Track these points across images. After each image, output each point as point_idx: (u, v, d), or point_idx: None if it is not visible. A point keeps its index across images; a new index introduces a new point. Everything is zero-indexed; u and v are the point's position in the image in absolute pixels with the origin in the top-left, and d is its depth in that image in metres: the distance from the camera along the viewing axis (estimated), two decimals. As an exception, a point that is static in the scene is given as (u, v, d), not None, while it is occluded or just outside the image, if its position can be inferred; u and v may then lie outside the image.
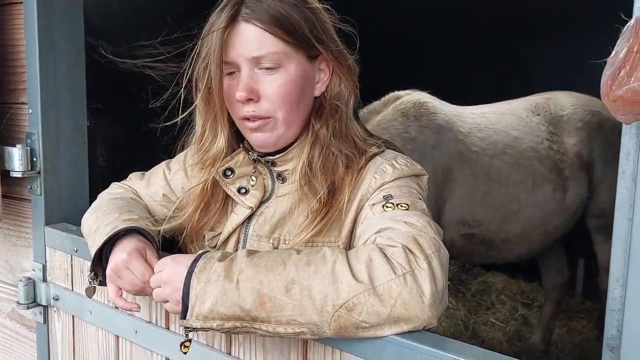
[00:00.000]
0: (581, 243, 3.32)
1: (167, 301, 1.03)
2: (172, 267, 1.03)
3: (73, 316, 1.51)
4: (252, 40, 1.13)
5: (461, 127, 2.97)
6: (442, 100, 3.06)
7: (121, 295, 1.14)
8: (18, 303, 1.56)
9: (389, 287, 0.91)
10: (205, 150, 1.23)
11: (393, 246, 0.96)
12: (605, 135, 3.11)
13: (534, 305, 4.01)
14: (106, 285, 1.16)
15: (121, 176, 1.46)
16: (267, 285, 0.94)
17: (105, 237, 1.15)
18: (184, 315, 0.98)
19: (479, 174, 2.89)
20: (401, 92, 3.04)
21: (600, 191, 3.12)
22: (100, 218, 1.24)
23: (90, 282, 1.20)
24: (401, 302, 0.91)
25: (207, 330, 1.00)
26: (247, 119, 1.17)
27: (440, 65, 4.42)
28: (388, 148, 1.29)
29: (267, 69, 1.14)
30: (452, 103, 3.10)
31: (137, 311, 1.16)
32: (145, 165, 1.45)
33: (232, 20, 1.13)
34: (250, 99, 1.14)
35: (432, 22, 4.41)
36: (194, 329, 0.99)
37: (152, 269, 1.09)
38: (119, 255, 1.12)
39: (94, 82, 1.67)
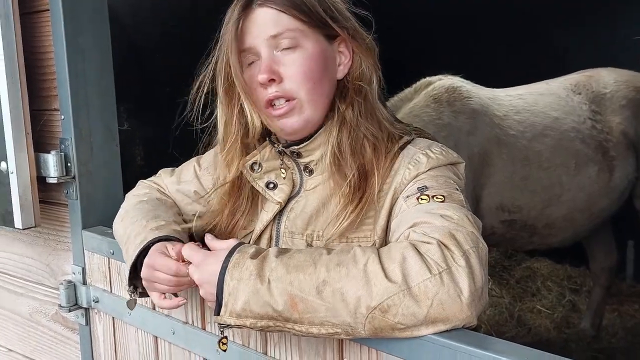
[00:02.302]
0: (630, 224, 3.21)
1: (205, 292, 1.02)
2: (208, 260, 1.02)
3: (113, 317, 1.53)
4: (268, 22, 1.13)
5: (497, 110, 2.89)
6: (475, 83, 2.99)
7: (165, 298, 1.15)
8: (60, 306, 1.59)
9: (425, 287, 0.87)
10: (234, 141, 1.22)
11: (428, 242, 0.92)
12: (652, 112, 2.99)
13: (582, 291, 3.89)
14: (148, 296, 1.18)
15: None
16: (298, 286, 0.93)
17: (137, 251, 1.16)
18: (217, 312, 0.98)
19: (517, 158, 2.81)
20: (433, 78, 2.98)
21: (649, 170, 3.00)
22: (129, 227, 1.25)
23: (130, 295, 1.22)
24: (438, 302, 0.87)
25: (241, 328, 0.99)
26: (272, 105, 1.15)
27: (469, 47, 4.32)
28: (421, 136, 1.25)
29: (285, 49, 1.13)
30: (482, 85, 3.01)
31: (185, 302, 1.16)
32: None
33: (246, 9, 1.14)
34: (272, 80, 1.13)
35: (459, 3, 4.31)
36: (228, 325, 0.98)
37: (176, 260, 1.09)
38: (144, 263, 1.14)
39: (127, 83, 1.68)
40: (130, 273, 1.19)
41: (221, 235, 1.30)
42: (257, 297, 0.94)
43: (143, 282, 1.16)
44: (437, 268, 0.88)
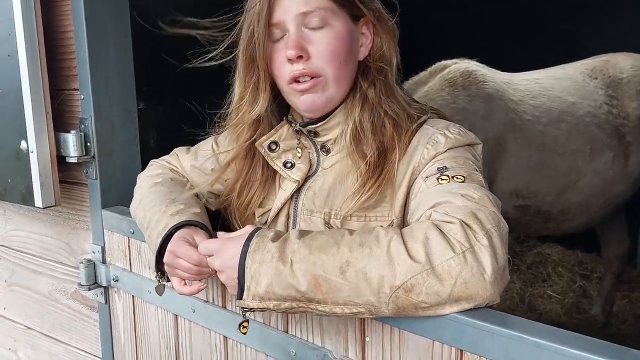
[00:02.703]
0: (641, 210, 3.20)
1: (226, 278, 1.03)
2: (227, 246, 1.03)
3: (133, 296, 1.55)
4: None
5: (512, 95, 2.87)
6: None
7: (185, 284, 1.16)
8: (80, 284, 1.61)
9: (448, 266, 0.88)
10: (242, 115, 1.22)
11: (450, 222, 0.92)
12: (669, 97, 2.95)
13: (593, 277, 3.88)
14: None
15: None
16: (321, 266, 0.93)
17: (160, 238, 1.17)
18: (240, 296, 0.98)
19: (532, 144, 2.79)
20: (448, 62, 2.95)
21: (665, 156, 2.97)
22: (148, 211, 1.27)
23: (158, 281, 1.24)
24: (462, 281, 0.88)
25: (264, 311, 1.00)
26: (297, 81, 1.15)
27: (485, 32, 4.28)
28: (438, 116, 1.25)
29: (314, 28, 1.13)
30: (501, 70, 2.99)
31: (205, 287, 1.17)
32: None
33: None
34: (300, 57, 1.13)
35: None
36: (251, 309, 0.99)
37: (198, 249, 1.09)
38: (167, 249, 1.15)
39: (145, 65, 1.68)
40: (156, 260, 1.20)
41: (237, 212, 1.31)
42: (280, 279, 0.95)
43: (165, 267, 1.17)
44: (460, 247, 0.89)
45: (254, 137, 1.24)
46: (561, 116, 2.86)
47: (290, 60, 1.13)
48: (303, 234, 1.00)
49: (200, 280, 1.16)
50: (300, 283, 0.94)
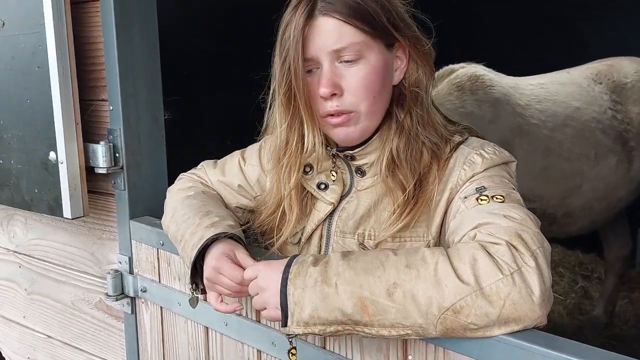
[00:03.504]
0: (640, 212, 3.25)
1: (265, 308, 1.03)
2: (266, 273, 1.04)
3: (161, 307, 1.55)
4: (332, 32, 1.11)
5: (519, 99, 2.90)
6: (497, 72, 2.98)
7: (222, 301, 1.17)
8: (107, 295, 1.62)
9: (497, 288, 0.89)
10: (289, 156, 1.22)
11: (496, 243, 0.94)
12: (672, 103, 3.00)
13: (593, 277, 3.94)
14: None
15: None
16: (368, 288, 0.94)
17: (196, 251, 1.17)
18: (284, 323, 0.98)
19: (539, 148, 2.83)
20: (455, 66, 2.97)
21: (667, 161, 3.02)
22: (182, 225, 1.26)
23: (192, 293, 1.24)
24: (510, 303, 0.89)
25: (309, 335, 1.01)
26: (331, 114, 1.15)
27: (488, 33, 4.30)
28: (471, 134, 1.27)
29: (347, 61, 1.12)
30: (504, 72, 3.00)
31: (241, 310, 1.18)
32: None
33: (309, 17, 1.11)
34: (334, 94, 1.13)
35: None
36: (297, 335, 1.00)
37: (243, 269, 1.10)
38: (209, 263, 1.14)
39: (171, 75, 1.68)
40: (191, 272, 1.20)
41: (271, 232, 1.32)
42: (326, 303, 0.95)
43: (204, 281, 1.17)
44: (508, 269, 0.90)
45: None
46: (566, 121, 2.90)
47: (323, 97, 1.13)
48: (345, 255, 1.00)
49: (238, 301, 1.18)
50: (346, 305, 0.94)
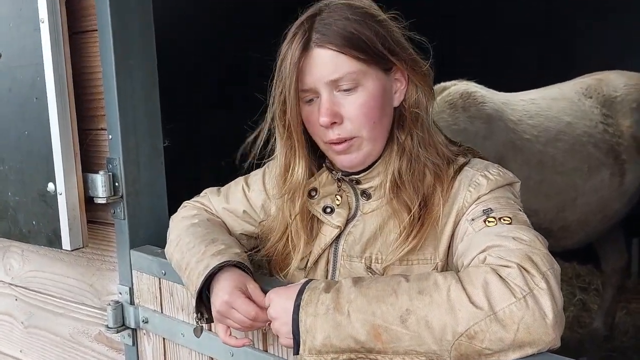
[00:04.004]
0: (635, 223, 3.26)
1: (278, 337, 1.04)
2: (278, 301, 1.03)
3: (164, 338, 1.53)
4: (327, 64, 1.12)
5: (511, 115, 2.92)
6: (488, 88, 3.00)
7: (230, 334, 1.15)
8: (107, 327, 1.58)
9: (510, 312, 0.88)
10: (289, 181, 1.23)
11: (507, 266, 0.93)
12: (661, 115, 3.03)
13: (591, 289, 3.95)
14: (213, 322, 1.18)
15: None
16: (381, 316, 0.93)
17: (202, 279, 1.15)
18: (297, 351, 0.98)
19: (532, 163, 2.85)
20: (447, 83, 3.00)
21: (659, 172, 3.05)
22: (186, 253, 1.25)
23: (197, 323, 1.21)
24: (524, 327, 0.88)
25: None
26: (333, 142, 1.16)
27: (479, 47, 4.35)
28: (474, 156, 1.27)
29: (346, 90, 1.13)
30: (493, 86, 3.03)
31: (250, 344, 1.17)
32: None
33: (305, 49, 1.12)
34: (334, 123, 1.13)
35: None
36: None
37: (257, 304, 1.10)
38: (221, 297, 1.12)
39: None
40: (196, 301, 1.19)
41: (277, 259, 1.31)
42: (338, 331, 0.95)
43: (213, 313, 1.15)
44: (521, 292, 0.89)
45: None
46: (559, 135, 2.93)
47: (323, 126, 1.14)
48: (356, 282, 0.99)
49: (246, 334, 1.16)
50: (359, 333, 0.94)
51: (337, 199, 1.24)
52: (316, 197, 1.25)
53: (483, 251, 1.00)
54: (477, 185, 1.15)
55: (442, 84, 2.99)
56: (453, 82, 3.00)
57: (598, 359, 3.08)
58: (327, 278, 1.25)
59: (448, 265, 1.17)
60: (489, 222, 1.07)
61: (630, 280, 4.08)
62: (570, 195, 2.90)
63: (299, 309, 0.98)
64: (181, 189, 1.70)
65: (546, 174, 2.87)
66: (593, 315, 3.59)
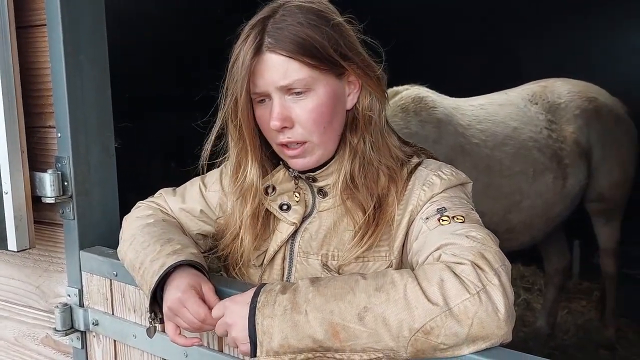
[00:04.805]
0: (576, 225, 3.40)
1: (237, 345, 1.02)
2: (233, 309, 1.03)
3: (115, 340, 1.49)
4: (278, 68, 1.12)
5: (461, 120, 3.00)
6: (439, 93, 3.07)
7: (180, 333, 1.13)
8: (55, 330, 1.54)
9: (465, 307, 0.91)
10: (240, 181, 1.24)
11: (461, 263, 0.96)
12: (602, 121, 3.18)
13: (534, 289, 4.09)
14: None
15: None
16: (339, 314, 0.94)
17: (157, 277, 1.14)
18: (254, 353, 0.98)
19: (480, 167, 2.93)
20: (400, 88, 3.05)
21: (599, 176, 3.19)
22: (141, 252, 1.23)
23: (150, 322, 1.19)
24: (478, 321, 0.91)
25: None
26: (286, 145, 1.17)
27: (429, 53, 4.44)
28: (427, 156, 1.30)
29: (297, 94, 1.13)
30: (443, 91, 3.10)
31: (199, 344, 1.15)
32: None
33: (257, 52, 1.12)
34: (285, 127, 1.14)
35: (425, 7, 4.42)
36: None
37: (208, 307, 1.08)
38: (174, 294, 1.11)
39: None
40: (150, 301, 1.17)
41: (232, 257, 1.30)
42: (296, 331, 0.95)
43: (164, 310, 1.14)
44: (475, 288, 0.92)
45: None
46: (505, 140, 3.02)
47: (274, 129, 1.15)
48: (314, 282, 1.00)
49: (194, 335, 1.15)
50: (317, 332, 0.94)
51: (296, 196, 1.25)
52: (273, 194, 1.25)
53: (438, 249, 1.02)
54: (430, 185, 1.18)
55: (395, 88, 3.04)
56: (405, 86, 3.06)
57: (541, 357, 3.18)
58: (283, 275, 1.25)
59: (402, 262, 1.20)
60: (442, 220, 1.10)
61: (571, 280, 4.24)
62: (515, 198, 3.00)
63: (255, 312, 0.98)
64: (128, 190, 1.67)
65: (493, 177, 2.95)
66: (536, 314, 3.71)
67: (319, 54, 1.12)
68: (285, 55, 1.11)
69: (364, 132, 1.19)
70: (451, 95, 3.14)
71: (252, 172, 1.22)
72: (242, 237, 1.26)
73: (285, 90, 1.13)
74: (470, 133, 3.00)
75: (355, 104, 1.20)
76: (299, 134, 1.15)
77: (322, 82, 1.14)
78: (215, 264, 1.41)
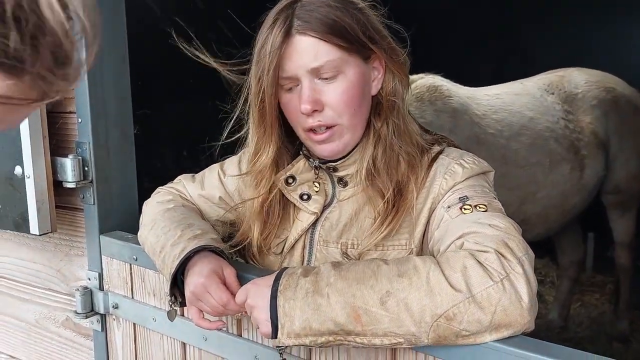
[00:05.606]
0: (591, 217, 3.37)
1: (259, 327, 1.02)
2: (255, 291, 1.03)
3: (134, 324, 1.51)
4: (309, 51, 1.12)
5: (476, 109, 2.97)
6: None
7: (203, 317, 1.14)
8: (76, 313, 1.56)
9: (488, 294, 0.91)
10: (257, 166, 1.24)
11: (485, 251, 0.96)
12: (620, 112, 3.13)
13: (547, 282, 4.07)
14: (186, 306, 1.17)
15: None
16: (361, 298, 0.94)
17: (178, 262, 1.15)
18: (275, 335, 0.98)
19: (495, 157, 2.90)
20: (414, 76, 3.02)
21: (616, 168, 3.16)
22: (162, 236, 1.24)
23: (171, 306, 1.20)
24: (501, 309, 0.91)
25: (298, 346, 1.00)
26: (313, 131, 1.16)
27: (438, 45, 4.40)
28: (448, 144, 1.29)
29: (326, 78, 1.13)
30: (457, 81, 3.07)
31: (223, 328, 1.16)
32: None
33: (287, 35, 1.12)
34: (315, 110, 1.14)
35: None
36: (286, 347, 0.99)
37: (231, 292, 1.09)
38: (197, 279, 1.12)
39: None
40: (170, 284, 1.18)
41: (255, 247, 1.31)
42: (318, 314, 0.95)
43: (186, 294, 1.15)
44: (498, 275, 0.92)
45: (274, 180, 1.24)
46: (521, 130, 2.99)
47: (304, 114, 1.14)
48: (336, 266, 1.01)
49: (220, 317, 1.16)
50: (339, 315, 0.95)
51: (315, 186, 1.25)
52: (293, 184, 1.26)
53: (460, 237, 1.02)
54: (452, 173, 1.17)
55: (410, 77, 3.01)
56: (420, 75, 3.02)
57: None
58: (303, 263, 1.26)
59: (423, 251, 1.20)
60: (465, 209, 1.10)
61: (585, 273, 4.22)
62: (531, 189, 2.97)
63: (277, 294, 0.98)
64: (142, 177, 1.67)
65: (509, 167, 2.92)
66: (549, 307, 3.69)
67: (348, 35, 1.12)
68: (315, 37, 1.11)
69: (387, 117, 1.19)
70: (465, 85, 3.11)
71: (269, 157, 1.22)
72: (251, 226, 1.27)
73: (315, 73, 1.13)
74: (486, 123, 2.97)
75: (380, 90, 1.21)
76: (329, 116, 1.15)
77: (351, 65, 1.14)
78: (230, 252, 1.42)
